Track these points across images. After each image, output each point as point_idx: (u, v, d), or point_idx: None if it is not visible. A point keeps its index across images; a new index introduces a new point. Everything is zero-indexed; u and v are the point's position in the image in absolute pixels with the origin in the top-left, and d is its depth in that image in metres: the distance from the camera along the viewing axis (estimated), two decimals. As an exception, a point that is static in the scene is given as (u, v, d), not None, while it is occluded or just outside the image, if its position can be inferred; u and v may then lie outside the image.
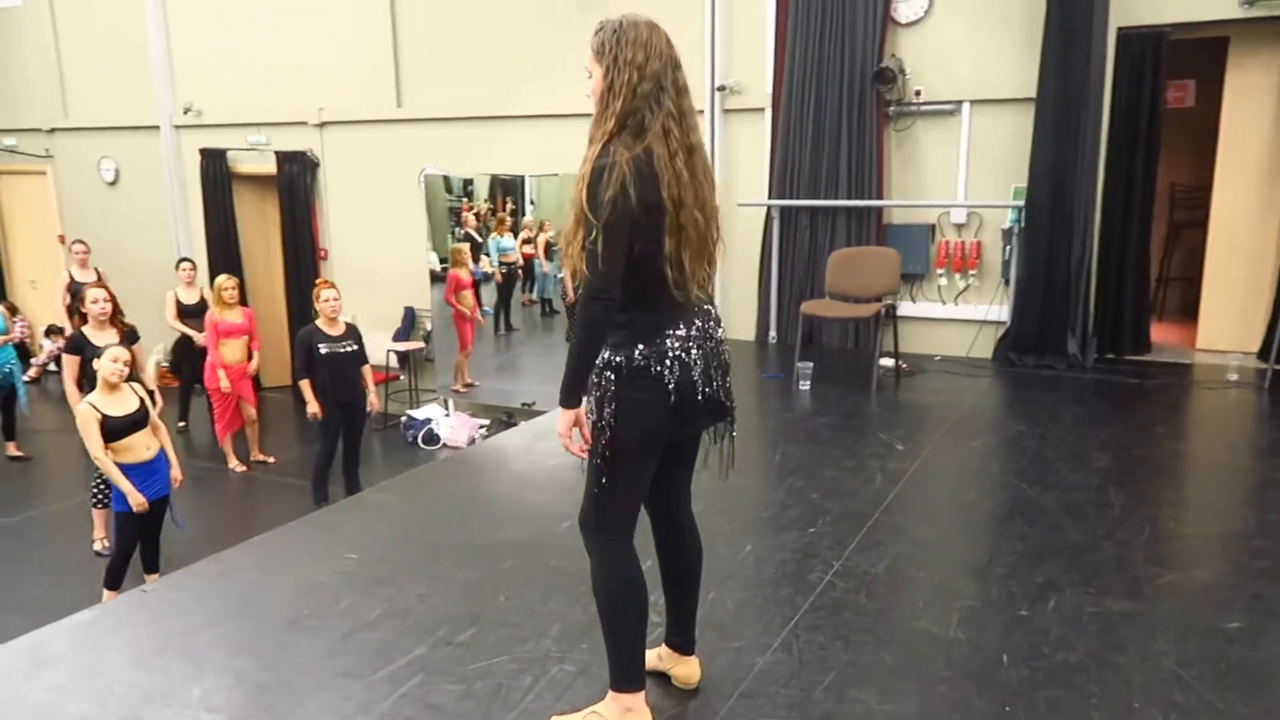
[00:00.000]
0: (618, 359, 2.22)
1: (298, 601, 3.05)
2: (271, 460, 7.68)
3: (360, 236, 8.99)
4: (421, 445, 8.07)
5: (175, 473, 5.17)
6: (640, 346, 2.22)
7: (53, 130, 10.39)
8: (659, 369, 2.23)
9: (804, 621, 2.89)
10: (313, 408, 6.29)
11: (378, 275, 8.90)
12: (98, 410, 4.83)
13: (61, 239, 10.55)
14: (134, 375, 5.19)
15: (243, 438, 7.68)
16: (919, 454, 4.46)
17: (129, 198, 10.13)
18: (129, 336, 5.96)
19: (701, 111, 7.05)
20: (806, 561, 3.30)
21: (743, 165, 7.14)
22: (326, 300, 6.34)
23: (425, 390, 8.88)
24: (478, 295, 8.93)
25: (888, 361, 6.16)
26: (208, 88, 9.40)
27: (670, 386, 2.24)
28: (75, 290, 8.54)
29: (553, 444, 4.91)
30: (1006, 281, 6.39)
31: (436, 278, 8.75)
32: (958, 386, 5.81)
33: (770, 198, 6.93)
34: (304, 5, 8.77)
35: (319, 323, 6.36)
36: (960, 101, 6.38)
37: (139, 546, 5.07)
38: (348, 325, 6.51)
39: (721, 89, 7.02)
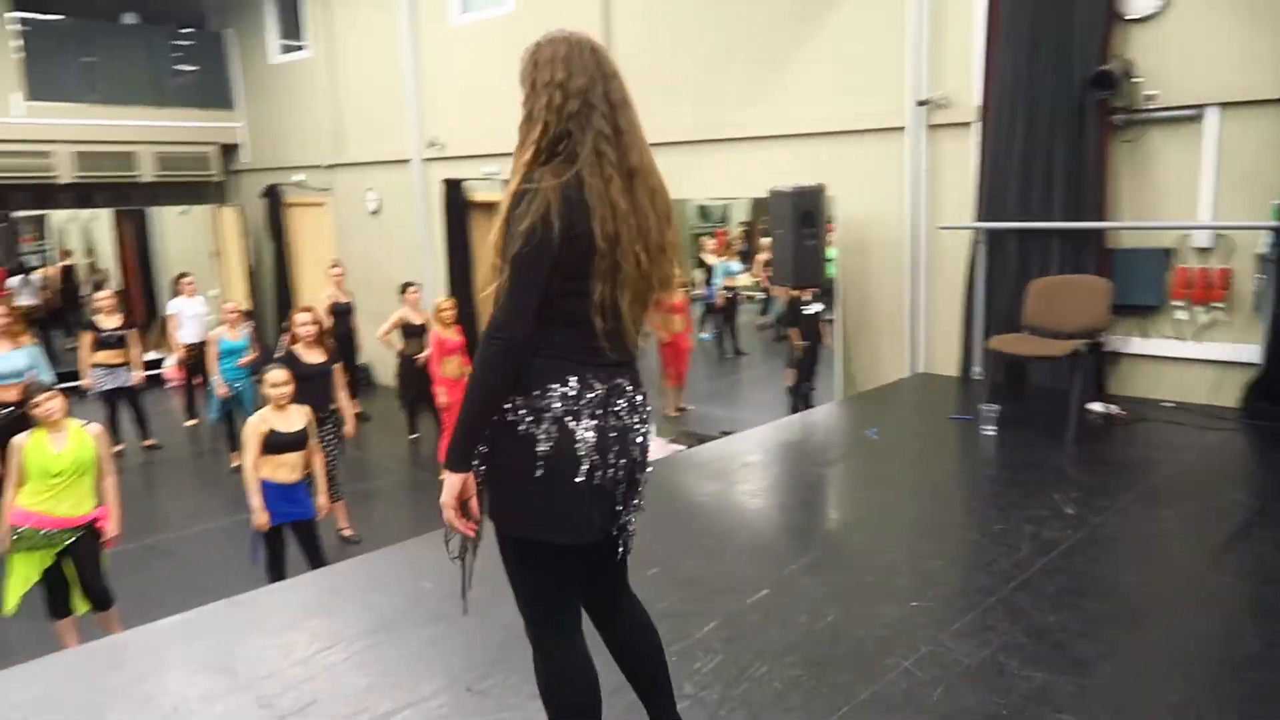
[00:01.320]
0: (541, 397, 1.88)
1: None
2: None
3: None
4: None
5: (321, 500, 5.50)
6: (518, 398, 1.88)
7: (332, 166, 11.64)
8: (528, 429, 1.88)
9: (852, 715, 2.52)
10: None
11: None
12: (266, 423, 5.27)
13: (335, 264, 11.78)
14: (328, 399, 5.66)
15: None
16: (1089, 521, 3.81)
17: (387, 225, 11.13)
18: (334, 357, 6.48)
19: (901, 128, 6.57)
20: (889, 641, 2.90)
21: (949, 185, 6.55)
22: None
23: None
24: (715, 319, 8.90)
25: (1099, 406, 5.37)
26: (449, 123, 10.10)
27: (547, 452, 1.86)
28: (338, 310, 9.50)
29: (700, 474, 4.78)
30: (1261, 316, 5.36)
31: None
32: (1180, 440, 4.93)
33: (977, 220, 6.29)
34: (525, 38, 9.15)
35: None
36: (1204, 105, 5.44)
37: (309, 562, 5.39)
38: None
39: (925, 103, 6.49)
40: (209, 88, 12.84)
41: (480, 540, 1.98)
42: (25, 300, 12.71)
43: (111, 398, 8.66)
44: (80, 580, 4.82)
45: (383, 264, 10.92)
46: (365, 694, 2.69)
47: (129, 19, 12.42)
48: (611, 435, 1.92)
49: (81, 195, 12.32)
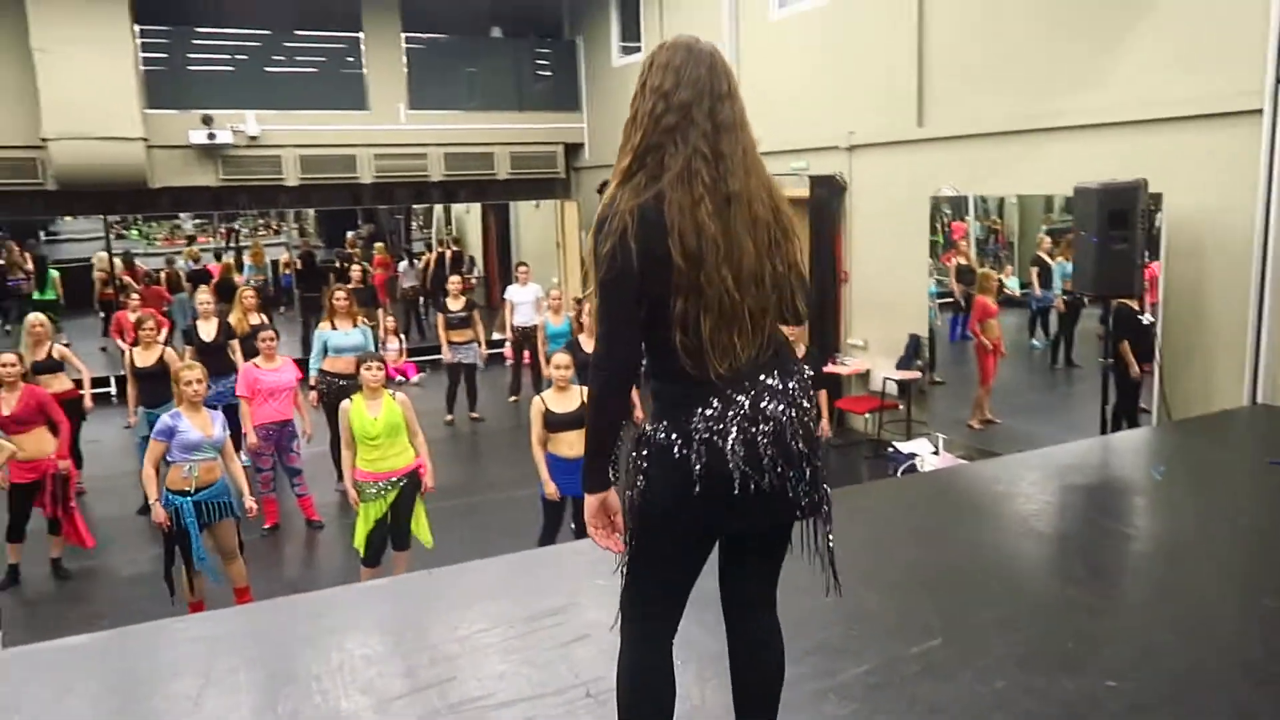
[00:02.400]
0: (648, 432, 1.94)
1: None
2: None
3: (876, 260, 8.86)
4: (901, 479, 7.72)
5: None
6: (665, 422, 1.92)
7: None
8: (684, 452, 1.90)
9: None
10: None
11: (887, 300, 8.69)
12: (544, 404, 5.64)
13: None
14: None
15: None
16: None
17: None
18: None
19: (1257, 111, 5.51)
20: (1058, 723, 2.48)
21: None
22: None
23: (919, 423, 8.43)
24: (1044, 324, 8.18)
25: None
26: (762, 118, 10.07)
27: (697, 473, 1.89)
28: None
29: (948, 496, 4.42)
30: None
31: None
32: None
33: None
34: (839, 29, 8.92)
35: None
36: None
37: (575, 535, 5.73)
38: (806, 349, 6.55)
39: (1284, 80, 5.38)
40: (559, 92, 13.96)
41: None
42: (409, 282, 14.74)
43: (455, 371, 9.78)
44: (392, 519, 5.49)
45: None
46: (498, 680, 2.81)
47: (496, 33, 13.83)
48: (765, 441, 1.90)
49: (448, 191, 13.96)
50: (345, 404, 5.43)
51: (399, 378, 11.94)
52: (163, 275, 13.82)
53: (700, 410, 1.90)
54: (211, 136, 11.46)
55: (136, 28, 11.26)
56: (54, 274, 14.78)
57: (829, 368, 8.87)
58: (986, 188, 7.78)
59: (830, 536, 2.09)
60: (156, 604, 5.15)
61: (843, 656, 2.86)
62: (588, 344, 6.70)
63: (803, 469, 1.95)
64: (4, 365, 5.83)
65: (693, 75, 1.87)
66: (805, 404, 1.99)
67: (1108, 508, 4.30)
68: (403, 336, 12.48)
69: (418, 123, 12.87)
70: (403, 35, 12.91)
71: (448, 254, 15.38)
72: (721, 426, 1.89)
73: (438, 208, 16.25)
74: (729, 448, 1.88)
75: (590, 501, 1.98)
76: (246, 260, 15.72)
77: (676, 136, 1.85)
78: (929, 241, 8.18)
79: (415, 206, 16.02)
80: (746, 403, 1.90)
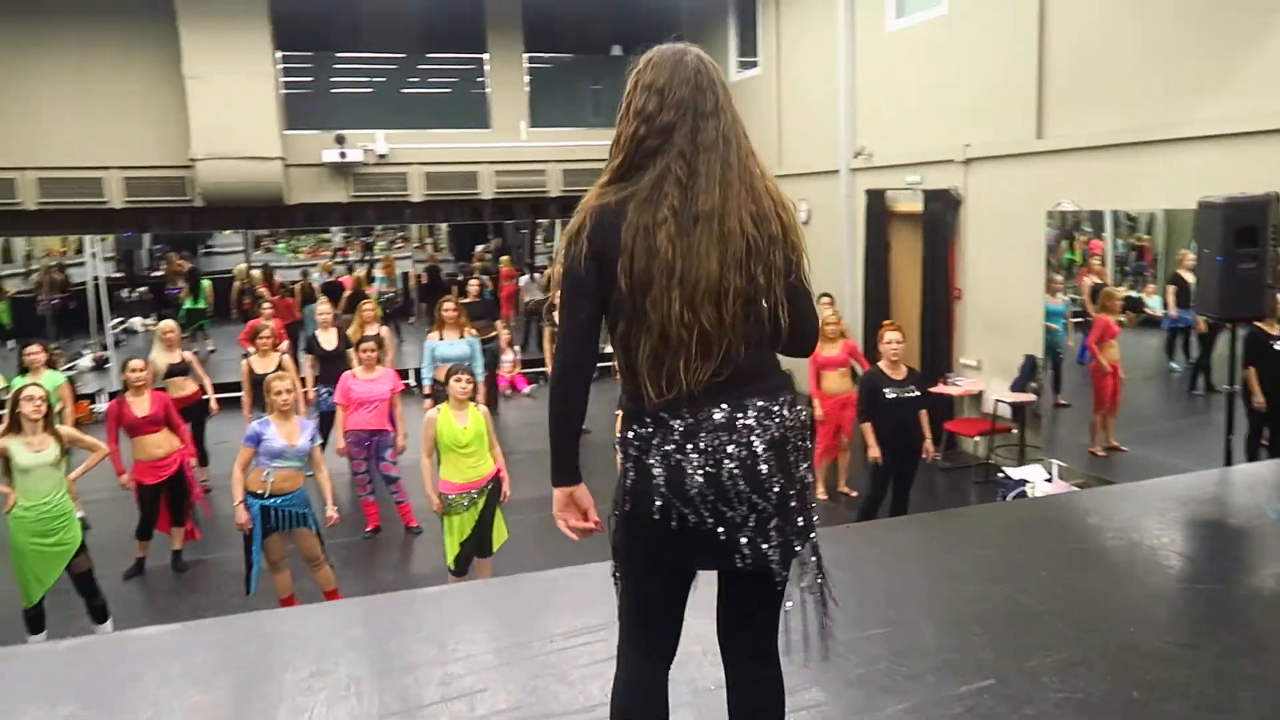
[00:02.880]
0: (626, 433, 1.90)
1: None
2: (854, 494, 7.83)
3: (991, 277, 8.50)
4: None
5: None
6: (635, 428, 1.88)
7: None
8: (624, 466, 1.89)
9: None
10: (874, 452, 6.29)
11: (1002, 319, 8.32)
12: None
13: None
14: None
15: (835, 468, 7.97)
16: None
17: (813, 235, 11.18)
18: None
19: None
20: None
21: None
22: (889, 343, 6.27)
23: (1034, 448, 8.01)
24: (1185, 346, 7.70)
25: None
26: (877, 132, 9.88)
27: (626, 488, 1.87)
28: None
29: (1041, 526, 4.19)
30: None
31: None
32: None
33: None
34: (957, 39, 8.63)
35: (882, 365, 6.32)
36: None
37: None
38: (909, 370, 6.36)
39: None
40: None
41: None
42: (530, 295, 15.08)
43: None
44: (477, 527, 5.60)
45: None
46: (528, 693, 2.82)
47: (615, 51, 14.03)
48: (695, 474, 1.82)
49: (565, 206, 14.21)
50: (432, 414, 5.57)
51: (509, 389, 12.24)
52: (297, 287, 14.62)
53: (635, 427, 1.87)
54: (343, 155, 12.05)
55: (278, 54, 12.00)
56: (206, 284, 15.87)
57: (939, 388, 8.55)
58: (1107, 202, 7.36)
59: (808, 592, 1.96)
60: (261, 599, 5.41)
61: (884, 693, 2.74)
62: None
63: (746, 512, 1.84)
64: (134, 371, 6.27)
65: (676, 96, 1.83)
66: (759, 444, 1.85)
67: (1208, 548, 3.97)
68: (517, 349, 12.80)
69: (538, 140, 13.17)
70: (525, 56, 13.26)
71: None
72: (651, 447, 1.85)
73: (560, 222, 16.64)
74: (654, 469, 1.84)
75: (556, 495, 1.95)
76: (378, 273, 16.44)
77: (656, 159, 1.82)
78: (1064, 259, 7.82)
79: (541, 221, 16.43)
80: (679, 430, 1.83)
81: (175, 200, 11.76)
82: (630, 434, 1.88)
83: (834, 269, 10.59)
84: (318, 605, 4.61)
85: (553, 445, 1.93)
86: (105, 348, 13.82)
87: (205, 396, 8.01)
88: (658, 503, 1.83)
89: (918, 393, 6.24)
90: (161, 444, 6.25)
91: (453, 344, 7.86)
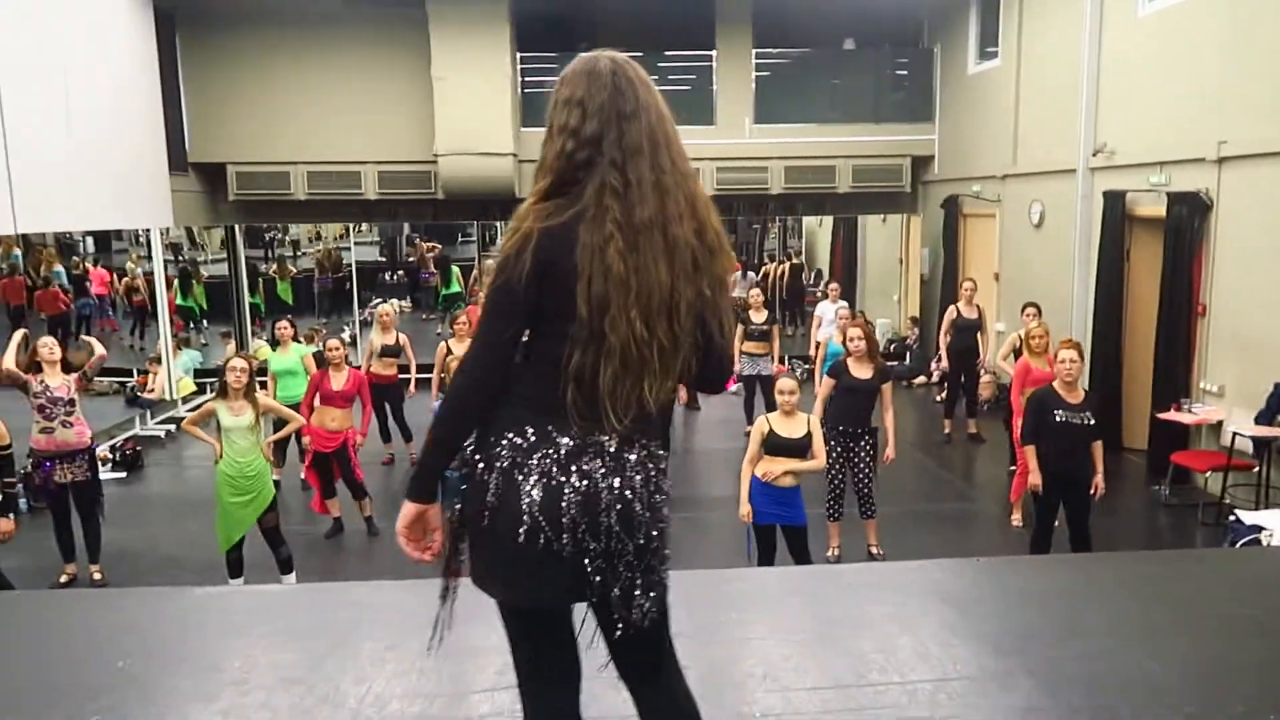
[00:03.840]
0: (498, 439, 1.78)
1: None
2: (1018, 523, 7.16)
3: (1244, 292, 7.44)
4: (1239, 555, 6.43)
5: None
6: (510, 436, 1.76)
7: (1004, 177, 11.23)
8: (484, 478, 1.76)
9: None
10: (1034, 478, 5.77)
11: (1255, 340, 7.28)
12: (768, 425, 5.52)
13: (996, 277, 11.41)
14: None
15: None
16: None
17: (1047, 239, 10.35)
18: (882, 375, 6.43)
19: None
20: None
21: None
22: (1064, 361, 5.70)
23: (1278, 489, 6.96)
24: None
25: None
26: (1120, 127, 8.95)
27: (488, 501, 1.75)
28: (960, 326, 9.32)
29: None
30: None
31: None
32: None
33: None
34: (1219, 24, 7.63)
35: (1056, 385, 5.76)
36: None
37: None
38: (1086, 393, 5.75)
39: None
40: (911, 103, 13.42)
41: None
42: (738, 293, 15.03)
43: (750, 383, 9.84)
44: None
45: (1037, 280, 10.23)
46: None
47: (848, 45, 13.62)
48: (572, 497, 1.73)
49: (786, 204, 14.02)
50: None
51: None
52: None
53: (509, 434, 1.76)
54: (568, 151, 12.54)
55: (518, 55, 12.69)
56: (455, 270, 17.06)
57: (1170, 415, 7.64)
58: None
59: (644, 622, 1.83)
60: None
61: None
62: (856, 368, 6.41)
63: (612, 548, 1.76)
64: (333, 349, 6.90)
65: (597, 103, 1.75)
66: (635, 477, 1.77)
67: None
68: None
69: (762, 136, 13.07)
70: (754, 51, 13.18)
71: (784, 267, 15.50)
72: (531, 462, 1.74)
73: (788, 220, 16.46)
74: (526, 487, 1.73)
75: (405, 510, 1.83)
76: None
77: (590, 173, 1.73)
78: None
79: (787, 219, 16.36)
80: (566, 446, 1.74)
81: (421, 193, 12.76)
82: (504, 442, 1.76)
83: (1062, 277, 9.73)
84: (416, 581, 4.81)
85: (423, 460, 1.84)
86: (357, 326, 15.26)
87: (404, 377, 8.66)
88: (525, 524, 1.72)
89: (1092, 420, 5.60)
90: (338, 419, 6.83)
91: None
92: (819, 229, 17.47)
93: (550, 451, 1.75)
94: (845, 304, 10.19)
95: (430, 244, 18.29)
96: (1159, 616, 3.32)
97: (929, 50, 13.40)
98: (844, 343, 6.68)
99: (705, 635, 3.12)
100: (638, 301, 1.70)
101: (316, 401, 6.87)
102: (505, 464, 1.75)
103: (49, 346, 6.13)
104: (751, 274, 15.22)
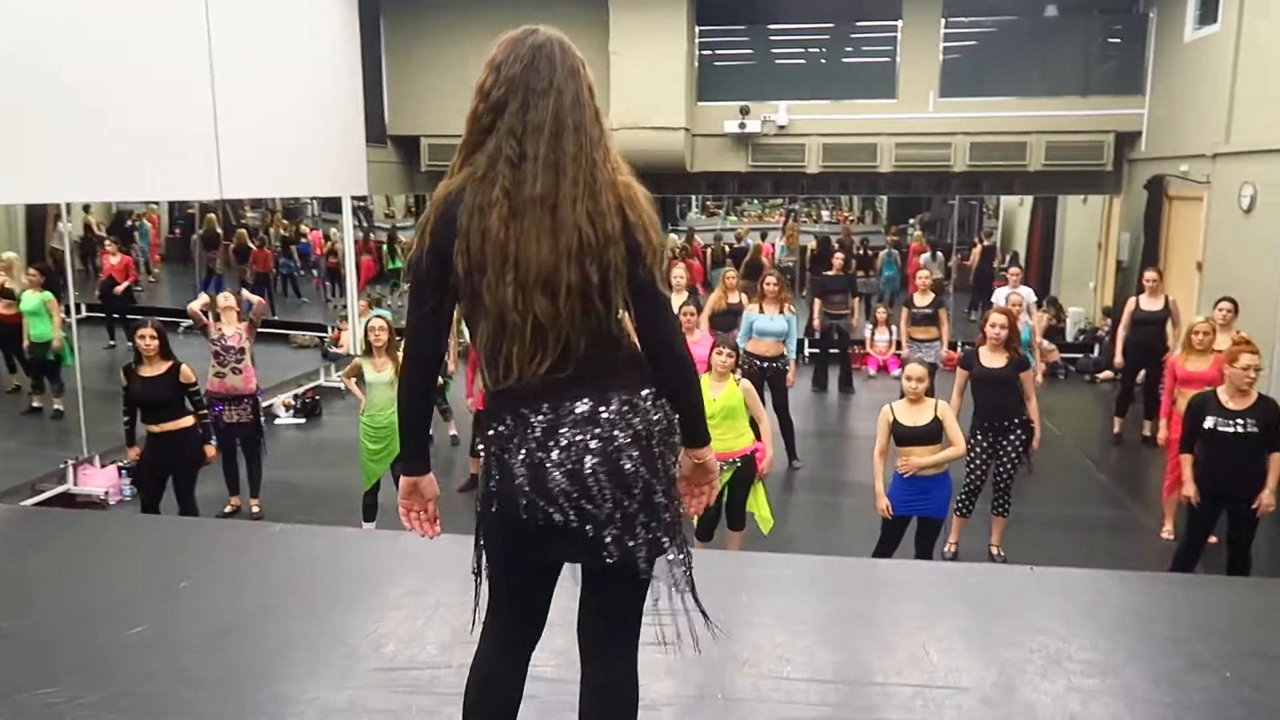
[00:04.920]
0: (486, 432, 1.93)
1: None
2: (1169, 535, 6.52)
3: None
4: None
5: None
6: (495, 426, 1.90)
7: (1215, 156, 10.13)
8: (487, 466, 1.92)
9: None
10: (1187, 489, 5.28)
11: None
12: (893, 414, 5.37)
13: (1199, 266, 10.34)
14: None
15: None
16: None
17: (1258, 226, 9.26)
18: (1018, 364, 6.06)
19: None
20: None
21: None
22: (1240, 365, 5.15)
23: None
24: None
25: None
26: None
27: (491, 489, 1.89)
28: (1139, 319, 8.58)
29: None
30: None
31: None
32: None
33: None
34: None
35: (1222, 390, 5.23)
36: None
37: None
38: (1259, 400, 5.15)
39: None
40: (1118, 74, 12.34)
41: None
42: (931, 273, 14.43)
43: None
44: (728, 498, 5.76)
45: (1241, 271, 9.20)
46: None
47: (1050, 12, 12.67)
48: (552, 473, 1.82)
49: (970, 183, 13.29)
50: None
51: (878, 370, 11.88)
52: (709, 251, 15.52)
53: (496, 426, 1.86)
54: (742, 126, 12.46)
55: (697, 29, 12.70)
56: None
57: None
58: None
59: (677, 590, 1.86)
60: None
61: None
62: (988, 357, 6.08)
63: (610, 507, 1.80)
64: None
65: (508, 72, 1.81)
66: (622, 435, 1.80)
67: None
68: (895, 328, 12.36)
69: (946, 110, 12.44)
70: (943, 20, 12.53)
71: (975, 249, 14.73)
72: (512, 446, 1.83)
73: (1009, 199, 15.64)
74: (516, 469, 1.82)
75: (403, 483, 1.98)
76: (779, 242, 16.81)
77: (490, 138, 1.80)
78: None
79: (984, 197, 15.60)
80: (541, 426, 1.81)
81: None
82: (490, 433, 1.88)
83: (1270, 268, 8.70)
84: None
85: (404, 434, 1.97)
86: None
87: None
88: (523, 503, 1.83)
89: (1256, 429, 5.00)
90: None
91: (771, 318, 7.90)
92: (1019, 209, 16.43)
93: (528, 432, 1.83)
94: (1024, 290, 9.55)
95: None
96: (1227, 646, 3.01)
97: (1143, 15, 12.23)
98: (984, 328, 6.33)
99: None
100: (514, 270, 1.75)
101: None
102: (496, 451, 1.88)
103: (225, 295, 6.86)
104: (940, 255, 14.57)
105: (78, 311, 13.92)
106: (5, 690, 2.73)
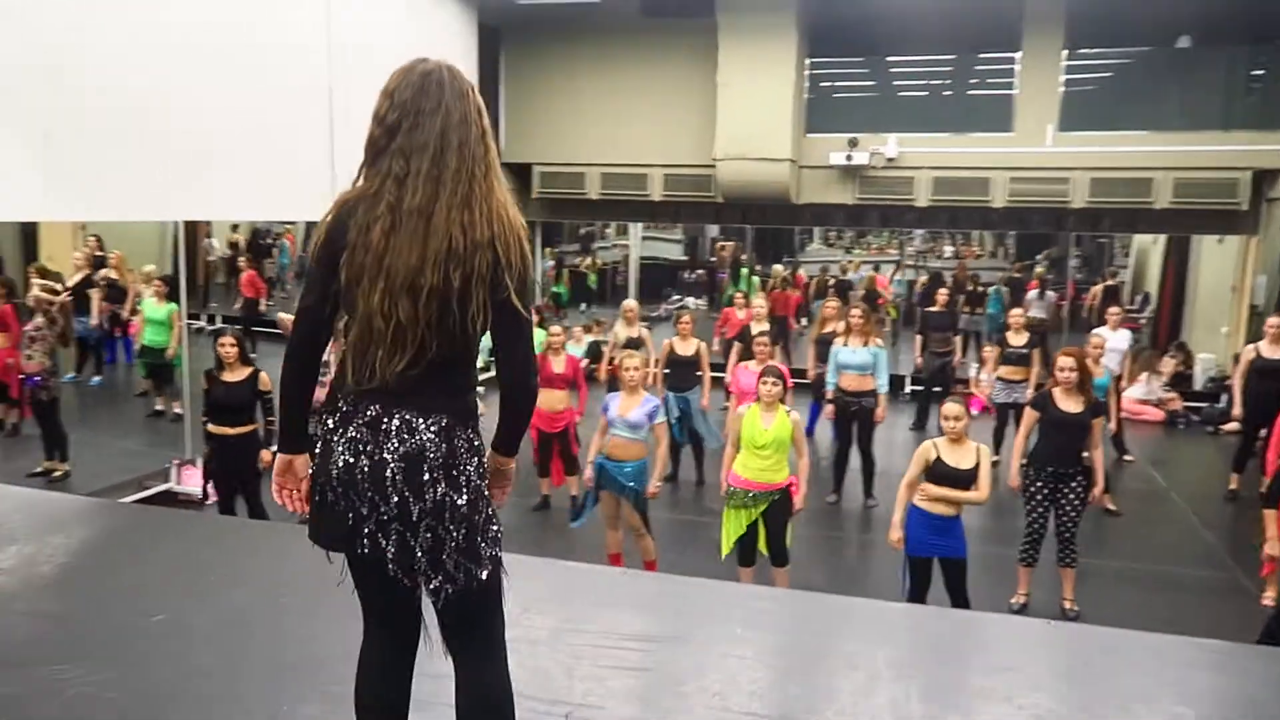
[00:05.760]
0: (323, 417, 2.05)
1: None
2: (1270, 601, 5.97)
3: None
4: None
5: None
6: (325, 411, 2.03)
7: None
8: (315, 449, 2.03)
9: None
10: (1270, 549, 4.92)
11: None
12: (935, 451, 5.22)
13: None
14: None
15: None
16: None
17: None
18: (1092, 410, 5.77)
19: None
20: None
21: None
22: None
23: None
24: None
25: None
26: None
27: (312, 473, 2.03)
28: (1260, 367, 8.01)
29: None
30: None
31: None
32: None
33: None
34: None
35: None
36: None
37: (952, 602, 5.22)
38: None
39: None
40: (1261, 108, 11.60)
41: None
42: (1035, 313, 13.87)
43: (1003, 411, 9.12)
44: (766, 536, 5.71)
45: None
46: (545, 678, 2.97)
47: (1182, 43, 12.03)
48: (344, 461, 1.94)
49: (1090, 220, 12.69)
50: (741, 409, 5.72)
51: (978, 411, 11.43)
52: (813, 282, 15.37)
53: (327, 418, 1.98)
54: (849, 159, 12.31)
55: (808, 60, 12.67)
56: (744, 271, 17.39)
57: None
58: None
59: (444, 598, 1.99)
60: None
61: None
62: (1062, 401, 5.81)
63: (398, 526, 1.92)
64: (553, 335, 7.44)
65: (400, 98, 1.94)
66: (431, 451, 1.91)
67: None
68: (985, 369, 11.90)
69: (1065, 144, 11.96)
70: (1064, 52, 12.08)
71: (1097, 288, 14.07)
72: (335, 436, 1.95)
73: (1141, 238, 14.98)
74: (336, 455, 1.94)
75: (278, 461, 2.08)
76: (897, 275, 16.48)
77: (383, 157, 1.93)
78: None
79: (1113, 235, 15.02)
80: (365, 423, 1.92)
81: (701, 196, 13.17)
82: (324, 421, 2.01)
83: None
84: (606, 568, 5.04)
85: (281, 413, 2.10)
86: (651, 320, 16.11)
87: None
88: (336, 486, 1.96)
89: None
90: (560, 402, 7.35)
91: (855, 351, 7.75)
92: (1152, 247, 15.63)
93: (356, 427, 1.96)
94: (1114, 334, 9.04)
95: (724, 244, 18.80)
96: None
97: (1288, 48, 11.49)
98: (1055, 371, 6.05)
99: (694, 644, 3.11)
100: (385, 277, 1.88)
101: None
102: (325, 437, 2.01)
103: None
104: (1051, 294, 13.98)
105: (211, 322, 14.96)
106: (25, 663, 2.97)
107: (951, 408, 5.27)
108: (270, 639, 3.26)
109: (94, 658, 3.02)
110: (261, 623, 3.38)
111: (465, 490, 1.96)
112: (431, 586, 1.98)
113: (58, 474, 7.70)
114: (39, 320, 7.68)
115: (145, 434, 9.30)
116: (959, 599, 5.23)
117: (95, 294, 10.47)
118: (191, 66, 7.71)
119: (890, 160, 12.38)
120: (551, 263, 17.34)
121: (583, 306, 17.52)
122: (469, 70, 11.62)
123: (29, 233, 13.08)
